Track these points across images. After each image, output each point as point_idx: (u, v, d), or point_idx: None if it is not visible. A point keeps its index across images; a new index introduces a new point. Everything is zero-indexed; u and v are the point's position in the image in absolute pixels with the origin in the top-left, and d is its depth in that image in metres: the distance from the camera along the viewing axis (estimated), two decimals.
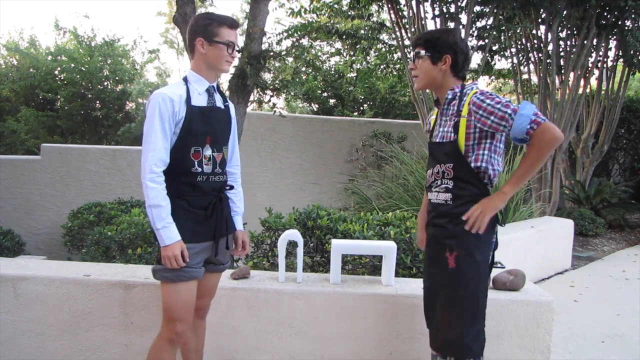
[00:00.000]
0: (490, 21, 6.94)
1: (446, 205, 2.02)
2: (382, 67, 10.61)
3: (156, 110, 1.96)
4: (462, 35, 6.41)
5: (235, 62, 5.24)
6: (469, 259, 1.95)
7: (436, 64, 2.02)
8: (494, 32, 6.82)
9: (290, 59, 6.21)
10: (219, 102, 2.17)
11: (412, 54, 2.11)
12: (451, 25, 6.57)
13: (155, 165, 1.95)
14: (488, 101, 1.92)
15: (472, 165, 1.97)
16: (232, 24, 2.09)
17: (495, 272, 2.14)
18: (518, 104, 1.91)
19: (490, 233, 1.99)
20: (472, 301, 1.96)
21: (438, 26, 6.59)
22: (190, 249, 2.02)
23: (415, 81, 2.13)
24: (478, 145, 1.97)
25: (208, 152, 2.08)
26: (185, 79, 2.11)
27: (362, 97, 12.98)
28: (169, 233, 1.96)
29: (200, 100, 2.09)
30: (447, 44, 2.01)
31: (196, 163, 2.05)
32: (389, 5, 7.10)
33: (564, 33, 7.62)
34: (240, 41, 5.42)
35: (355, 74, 12.91)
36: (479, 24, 7.24)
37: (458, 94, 2.03)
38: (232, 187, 2.25)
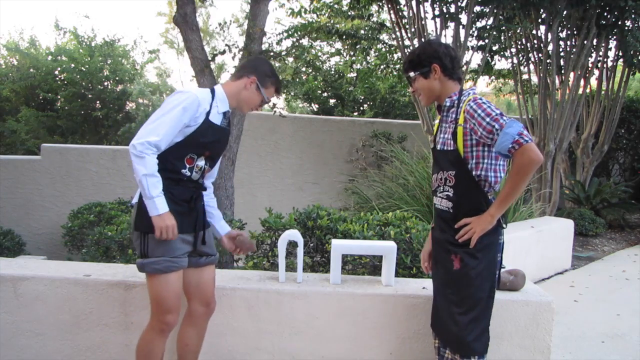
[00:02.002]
0: (490, 21, 6.94)
1: (448, 213, 2.06)
2: (382, 67, 10.60)
3: (183, 104, 2.01)
4: (462, 35, 6.44)
5: (236, 61, 5.25)
6: (473, 261, 1.99)
7: (429, 77, 2.07)
8: (494, 32, 6.82)
9: (291, 59, 6.21)
10: (227, 124, 2.26)
11: (407, 80, 2.19)
12: (451, 25, 6.58)
13: (151, 145, 1.95)
14: (479, 111, 1.94)
15: (473, 173, 1.99)
16: (280, 89, 2.29)
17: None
18: (507, 119, 1.91)
19: (494, 235, 2.02)
20: (476, 301, 2.00)
21: (438, 26, 6.60)
22: (176, 239, 2.05)
23: (420, 100, 2.21)
24: (476, 152, 1.99)
25: (201, 163, 2.17)
26: (213, 92, 2.17)
27: (362, 97, 12.98)
28: (163, 202, 1.97)
29: (216, 118, 2.16)
30: (428, 55, 2.06)
31: (187, 167, 2.12)
32: (389, 5, 7.10)
33: (564, 33, 7.62)
34: (240, 41, 5.42)
35: (355, 74, 12.91)
36: (479, 24, 7.25)
37: (456, 101, 2.05)
38: (205, 189, 2.31)
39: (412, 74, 2.11)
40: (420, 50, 2.11)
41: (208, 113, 2.10)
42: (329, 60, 13.00)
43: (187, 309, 2.32)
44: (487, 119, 1.91)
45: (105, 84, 11.45)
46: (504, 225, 2.07)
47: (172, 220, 1.98)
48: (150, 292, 2.10)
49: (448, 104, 2.08)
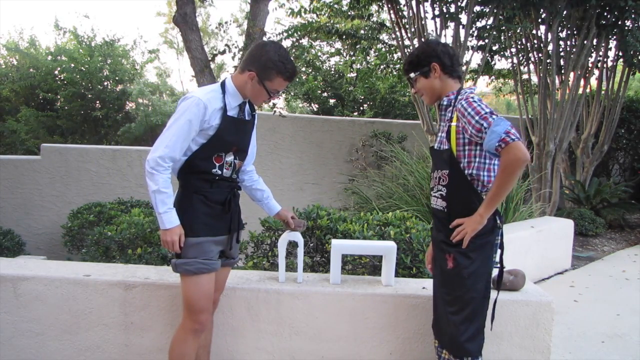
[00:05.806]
0: (490, 21, 6.93)
1: (443, 212, 2.08)
2: (382, 67, 10.60)
3: (187, 112, 2.00)
4: (462, 35, 6.44)
5: (236, 61, 5.25)
6: (466, 260, 1.99)
7: (429, 77, 2.10)
8: (494, 32, 6.82)
9: None
10: (247, 114, 2.22)
11: (408, 82, 2.22)
12: (451, 25, 6.58)
13: (162, 159, 1.99)
14: (469, 109, 1.94)
15: (465, 172, 1.99)
16: (291, 75, 2.10)
17: (495, 272, 2.16)
18: (496, 117, 1.89)
19: (490, 235, 2.02)
20: (468, 301, 1.99)
21: (438, 26, 6.60)
22: (208, 242, 2.10)
23: (423, 100, 2.23)
24: (468, 151, 1.99)
25: (230, 158, 2.16)
26: (223, 87, 2.11)
27: (362, 97, 12.98)
28: (170, 217, 2.02)
29: (233, 111, 2.13)
30: (427, 54, 2.08)
31: (217, 166, 2.13)
32: (389, 5, 7.10)
33: (564, 33, 7.61)
34: (240, 41, 5.42)
35: (355, 74, 12.91)
36: (479, 24, 7.24)
37: (452, 100, 2.07)
38: (239, 189, 2.34)
39: (412, 74, 2.14)
40: (418, 50, 2.13)
41: (225, 110, 2.07)
42: (329, 60, 13.02)
43: None
44: (477, 117, 1.90)
45: (105, 83, 11.44)
46: (500, 225, 2.06)
47: (176, 236, 2.02)
48: (182, 292, 2.14)
49: (445, 102, 2.09)
